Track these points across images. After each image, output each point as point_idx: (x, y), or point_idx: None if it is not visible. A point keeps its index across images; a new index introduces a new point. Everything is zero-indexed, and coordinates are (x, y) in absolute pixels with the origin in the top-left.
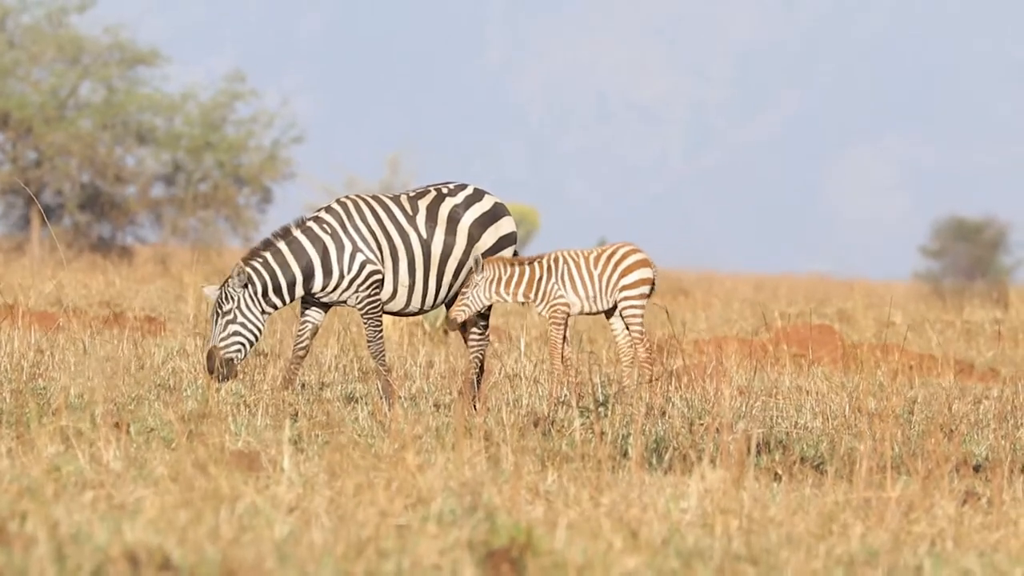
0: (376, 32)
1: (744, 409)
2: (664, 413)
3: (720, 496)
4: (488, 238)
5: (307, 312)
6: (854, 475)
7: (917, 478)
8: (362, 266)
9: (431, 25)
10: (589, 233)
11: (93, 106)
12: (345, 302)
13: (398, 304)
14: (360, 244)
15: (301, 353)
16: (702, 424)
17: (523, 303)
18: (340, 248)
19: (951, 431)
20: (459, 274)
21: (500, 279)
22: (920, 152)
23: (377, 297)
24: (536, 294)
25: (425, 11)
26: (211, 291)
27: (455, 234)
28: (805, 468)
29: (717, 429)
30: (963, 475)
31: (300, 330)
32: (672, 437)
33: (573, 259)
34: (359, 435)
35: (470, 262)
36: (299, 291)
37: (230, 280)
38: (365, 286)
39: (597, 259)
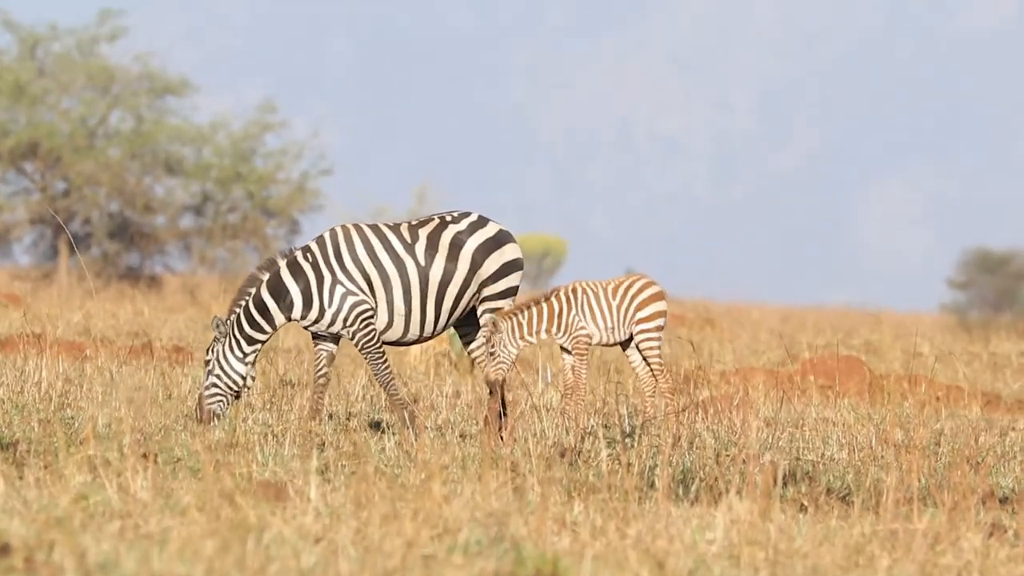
0: (403, 63)
1: (771, 440)
2: (691, 444)
3: (747, 527)
4: (491, 264)
5: (319, 343)
6: (881, 507)
7: (944, 510)
8: (343, 299)
9: (457, 55)
10: (615, 263)
11: (122, 135)
12: (340, 335)
13: (396, 332)
14: (341, 276)
15: (322, 382)
16: (729, 455)
17: (546, 338)
18: (320, 280)
19: (978, 463)
20: (460, 300)
21: (521, 326)
22: (945, 184)
23: (371, 332)
24: (558, 327)
25: (451, 42)
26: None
27: (456, 260)
28: (832, 499)
29: (744, 460)
30: (989, 507)
31: (316, 359)
32: (699, 468)
33: (592, 290)
34: (385, 465)
35: (472, 287)
36: (279, 320)
37: (217, 329)
38: (353, 321)
39: (615, 290)
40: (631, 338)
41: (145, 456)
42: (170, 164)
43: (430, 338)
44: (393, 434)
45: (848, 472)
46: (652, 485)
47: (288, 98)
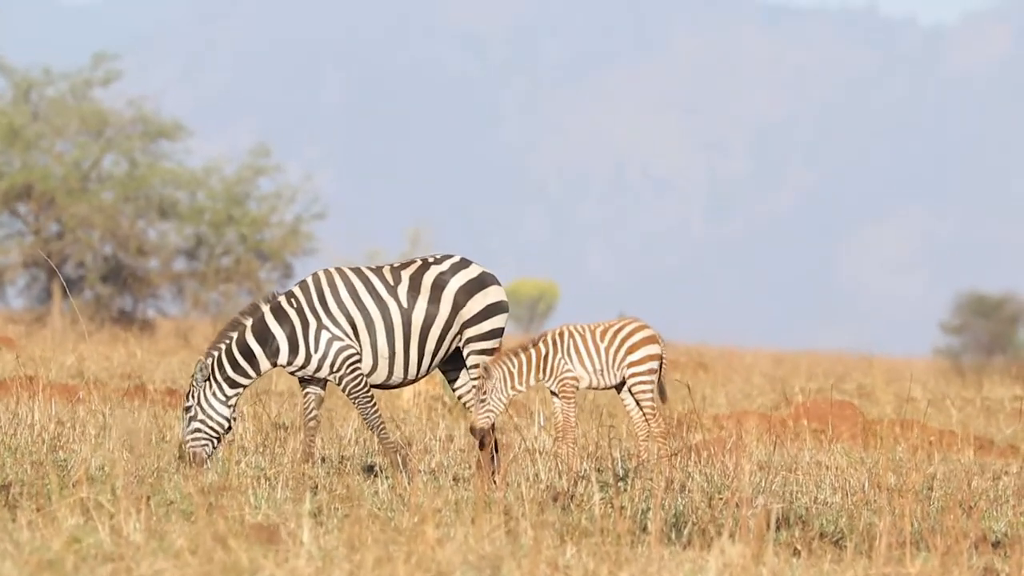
0: (396, 105)
1: (764, 484)
2: (684, 488)
3: (739, 571)
4: (474, 305)
5: (307, 386)
6: (874, 551)
7: (936, 554)
8: (328, 344)
9: (451, 97)
10: (608, 306)
11: (116, 179)
12: (327, 380)
13: (380, 375)
14: (326, 321)
15: (312, 424)
16: (722, 499)
17: (535, 384)
18: (305, 325)
19: (970, 507)
20: (443, 341)
21: (512, 375)
22: (939, 226)
23: (358, 377)
24: (544, 371)
25: (444, 84)
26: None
27: (439, 302)
28: (824, 544)
29: (737, 504)
30: (982, 551)
31: (305, 403)
32: (692, 512)
33: (579, 333)
34: (379, 508)
35: (455, 328)
36: (264, 366)
37: (196, 372)
38: (340, 366)
39: (604, 334)
40: (623, 382)
41: (138, 499)
42: (163, 208)
43: (415, 380)
44: (386, 477)
45: (841, 516)
46: (645, 529)
47: (281, 141)
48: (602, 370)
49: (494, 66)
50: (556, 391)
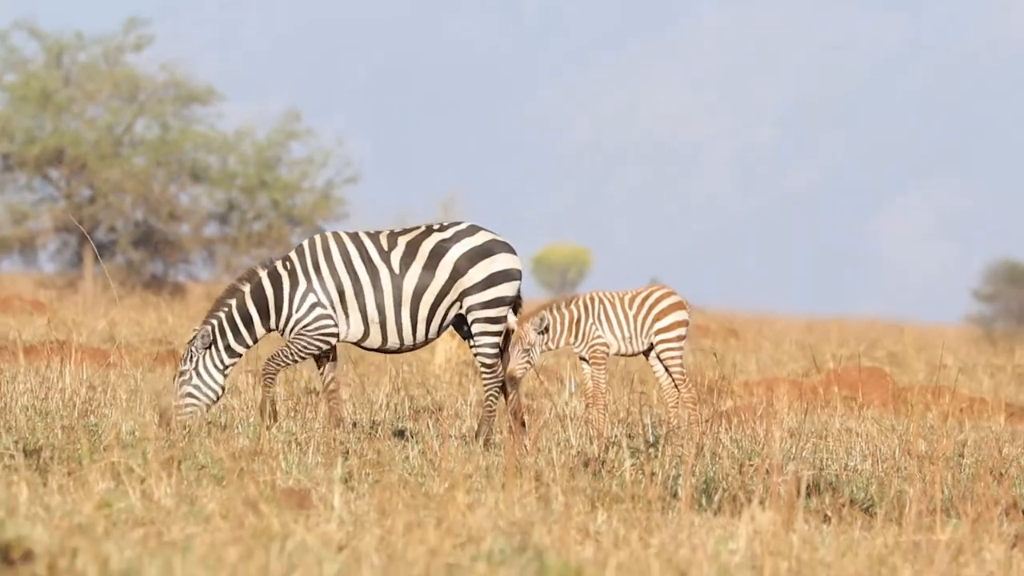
0: (429, 73)
1: (794, 451)
2: (714, 454)
3: (769, 538)
4: (476, 273)
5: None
6: (903, 518)
7: (966, 521)
8: (311, 308)
9: (482, 66)
10: (640, 274)
11: (148, 143)
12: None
13: (374, 340)
14: (315, 284)
15: (333, 387)
16: (752, 466)
17: (564, 347)
18: (294, 287)
19: (1001, 475)
20: (438, 308)
21: (549, 330)
22: (969, 196)
23: (316, 346)
24: (576, 335)
25: (476, 53)
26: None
27: (435, 269)
28: (854, 510)
29: (767, 471)
30: (1012, 519)
31: (320, 369)
32: (722, 478)
33: (609, 300)
34: (409, 474)
35: (452, 295)
36: (260, 332)
37: (195, 339)
38: (311, 329)
39: (632, 300)
40: (651, 348)
41: (169, 463)
42: (195, 172)
43: (417, 346)
44: (417, 443)
45: (871, 483)
46: (675, 495)
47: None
48: (631, 337)
49: (527, 36)
50: (586, 357)
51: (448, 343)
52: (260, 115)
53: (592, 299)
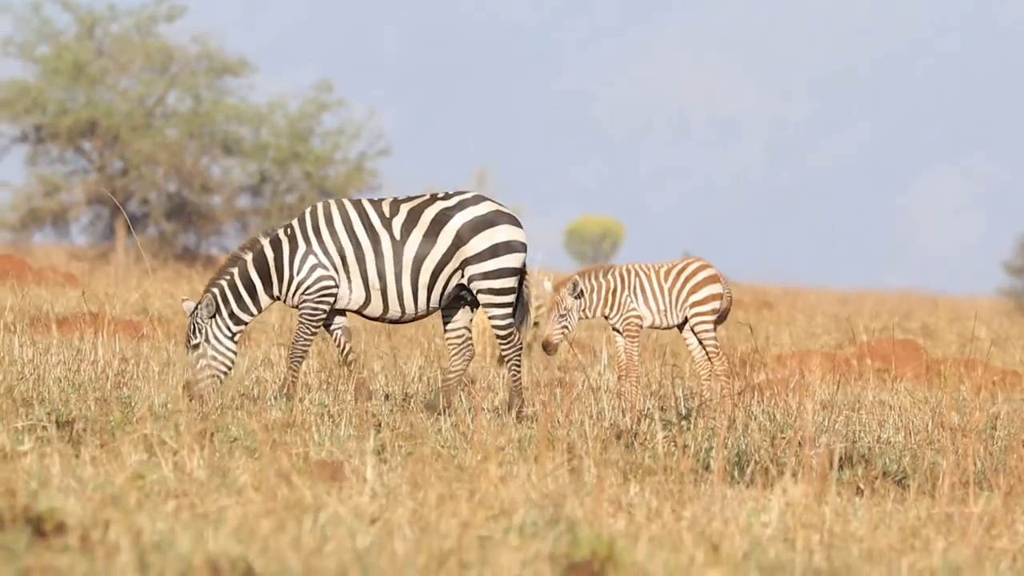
0: (461, 47)
1: (827, 423)
2: (746, 427)
3: (802, 510)
4: (479, 243)
5: (330, 321)
6: (936, 490)
7: (999, 494)
8: (312, 269)
9: (515, 41)
10: (672, 246)
11: (180, 115)
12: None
13: (376, 308)
14: (316, 247)
15: (351, 358)
16: (784, 438)
17: (599, 318)
18: (294, 251)
19: None
20: (438, 277)
21: (585, 297)
22: (999, 169)
23: (321, 310)
24: (612, 306)
25: (509, 28)
26: (189, 305)
27: (436, 236)
28: (887, 483)
29: (799, 443)
30: None
31: (335, 341)
32: (754, 451)
33: (644, 272)
34: (442, 446)
35: (453, 264)
36: (264, 300)
37: (198, 309)
38: (313, 291)
39: (667, 273)
40: (686, 321)
41: (201, 435)
42: (227, 144)
43: (420, 316)
44: (449, 415)
45: (904, 455)
46: (707, 467)
47: (346, 79)
48: (665, 310)
49: (558, 10)
50: (620, 329)
51: (482, 315)
52: (292, 87)
53: (628, 270)
